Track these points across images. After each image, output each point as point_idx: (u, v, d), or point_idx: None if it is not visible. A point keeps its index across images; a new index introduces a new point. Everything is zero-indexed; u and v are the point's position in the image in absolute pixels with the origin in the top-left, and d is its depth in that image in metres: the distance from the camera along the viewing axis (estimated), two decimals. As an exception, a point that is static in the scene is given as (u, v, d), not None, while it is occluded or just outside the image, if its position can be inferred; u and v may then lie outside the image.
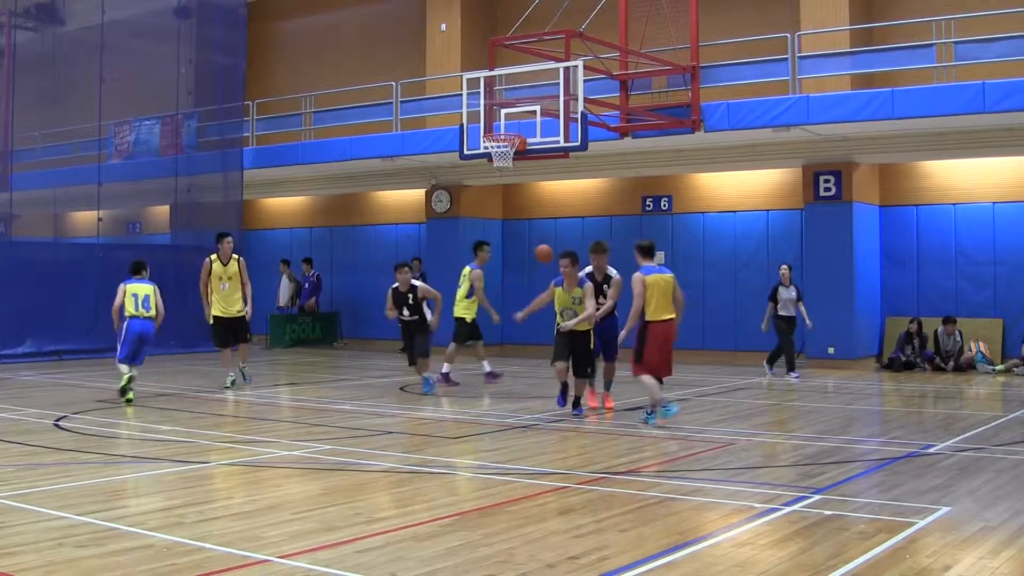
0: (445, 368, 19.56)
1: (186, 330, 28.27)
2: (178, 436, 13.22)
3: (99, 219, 28.80)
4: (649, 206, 26.91)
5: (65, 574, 6.97)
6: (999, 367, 22.06)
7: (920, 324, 22.83)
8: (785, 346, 21.15)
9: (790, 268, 21.48)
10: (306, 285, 30.85)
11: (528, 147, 19.51)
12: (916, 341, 22.78)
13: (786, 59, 21.90)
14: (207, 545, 7.69)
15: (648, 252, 14.58)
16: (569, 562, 7.25)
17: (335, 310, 31.57)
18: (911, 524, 8.32)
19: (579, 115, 18.99)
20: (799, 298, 21.32)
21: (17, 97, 28.52)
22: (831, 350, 22.90)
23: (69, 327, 25.54)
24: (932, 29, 21.16)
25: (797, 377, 20.52)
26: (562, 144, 19.18)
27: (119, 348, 16.91)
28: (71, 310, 25.68)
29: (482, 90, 19.75)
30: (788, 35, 21.88)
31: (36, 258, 26.19)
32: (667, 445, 12.58)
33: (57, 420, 14.69)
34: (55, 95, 29.71)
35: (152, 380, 20.45)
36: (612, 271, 16.18)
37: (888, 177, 24.46)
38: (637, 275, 14.09)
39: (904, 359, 22.62)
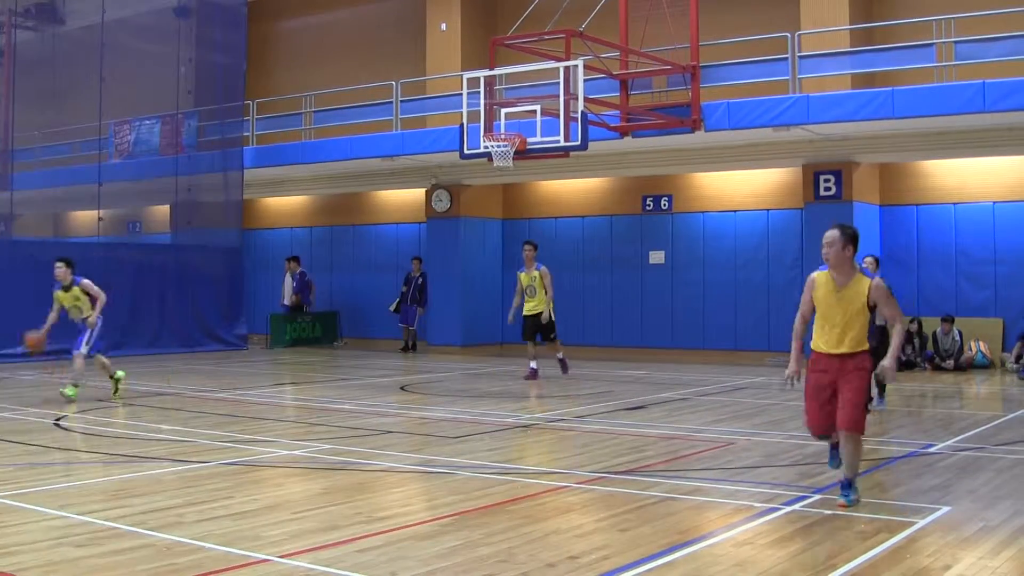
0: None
1: (187, 330, 28.31)
2: (178, 436, 13.22)
3: (99, 219, 28.79)
4: (649, 205, 26.92)
5: (65, 573, 6.97)
6: (1008, 365, 22.03)
7: (920, 324, 22.84)
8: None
9: (876, 260, 16.69)
10: (294, 283, 30.79)
11: (528, 146, 19.53)
12: (916, 341, 22.79)
13: (786, 59, 21.89)
14: (207, 545, 7.69)
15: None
16: (569, 561, 7.25)
17: (335, 309, 31.56)
18: (911, 524, 8.32)
19: (579, 115, 19.01)
20: None
21: (17, 96, 28.50)
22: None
23: (69, 327, 25.47)
24: (932, 28, 21.16)
25: (881, 406, 15.85)
26: (562, 144, 19.20)
27: (96, 343, 17.33)
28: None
29: (482, 90, 19.76)
30: (788, 34, 21.88)
31: (36, 257, 26.08)
32: (667, 445, 12.58)
33: (57, 419, 14.71)
34: (55, 95, 29.70)
35: (152, 380, 20.48)
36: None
37: (888, 176, 24.46)
38: (882, 281, 9.40)
39: (904, 359, 22.61)
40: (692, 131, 21.78)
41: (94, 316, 17.02)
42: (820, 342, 9.18)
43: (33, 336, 17.31)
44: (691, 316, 26.10)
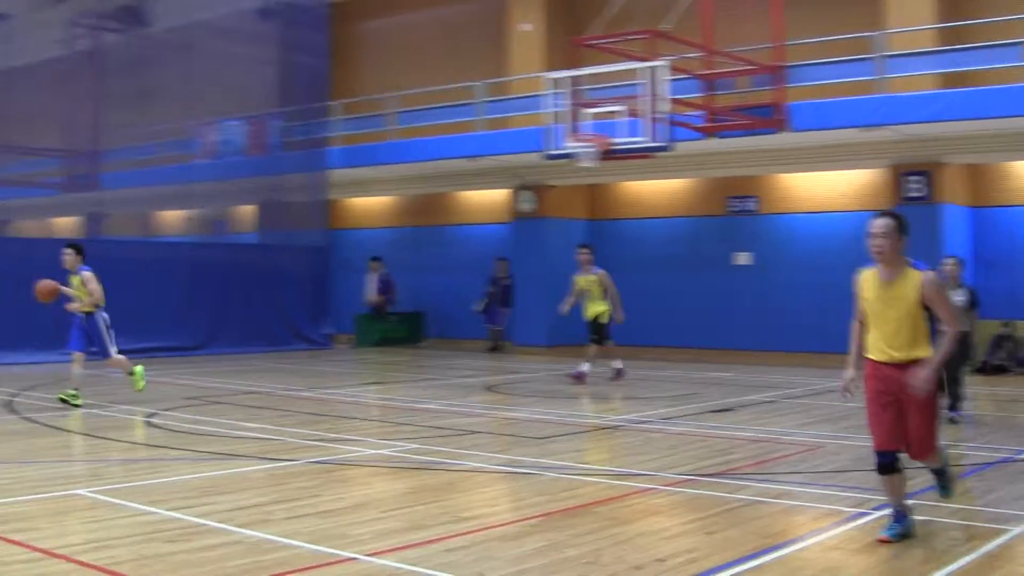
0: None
1: (273, 329, 28.52)
2: (266, 434, 13.33)
3: (187, 218, 29.13)
4: (734, 207, 26.75)
5: (155, 568, 7.06)
6: None
7: (1014, 328, 22.50)
8: (948, 370, 13.54)
9: (959, 263, 15.17)
10: (377, 283, 30.84)
11: (613, 147, 19.50)
12: (1010, 344, 22.46)
13: (872, 58, 21.68)
14: (294, 542, 7.75)
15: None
16: (656, 564, 7.21)
17: (421, 309, 31.64)
18: (1005, 531, 8.19)
19: (664, 115, 18.94)
20: (972, 305, 14.99)
21: (105, 98, 28.91)
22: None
23: (157, 325, 25.83)
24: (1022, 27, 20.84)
25: (956, 416, 14.62)
26: (647, 144, 19.15)
27: (114, 341, 16.57)
28: (160, 308, 25.99)
29: (566, 90, 19.75)
30: (874, 34, 21.67)
31: (125, 256, 26.48)
32: (755, 447, 12.48)
33: (148, 417, 14.88)
34: (142, 96, 30.09)
35: (239, 378, 20.68)
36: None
37: (979, 177, 24.14)
38: (935, 275, 8.21)
39: (996, 363, 22.28)
40: (777, 131, 21.63)
41: (77, 306, 16.17)
42: (874, 349, 8.09)
43: (46, 285, 16.40)
44: (778, 318, 25.88)
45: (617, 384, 19.76)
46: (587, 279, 20.06)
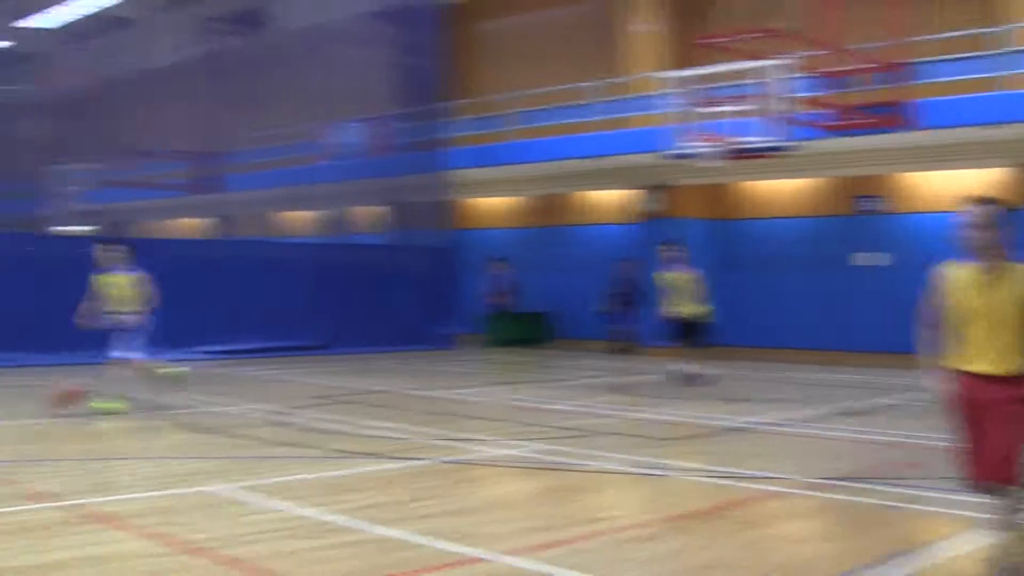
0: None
1: (397, 329, 28.69)
2: (394, 433, 13.44)
3: (311, 219, 29.48)
4: (861, 206, 26.37)
5: (286, 563, 7.19)
6: None
7: None
8: None
9: None
10: (501, 283, 30.81)
11: (735, 146, 19.38)
12: None
13: (1000, 54, 21.28)
14: (423, 541, 7.81)
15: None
16: (788, 569, 7.17)
17: (545, 310, 31.57)
18: None
19: (787, 114, 18.79)
20: None
21: (228, 101, 29.38)
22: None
23: (284, 324, 26.18)
24: None
25: None
26: (770, 143, 19.01)
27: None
28: (285, 308, 26.33)
29: (688, 89, 19.68)
30: (997, 29, 21.28)
31: (251, 256, 26.89)
32: (888, 451, 12.33)
33: (277, 415, 15.07)
34: (264, 99, 30.52)
35: (365, 378, 20.86)
36: None
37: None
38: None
39: None
40: (903, 129, 21.32)
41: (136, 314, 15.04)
42: (969, 360, 6.77)
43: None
44: (908, 319, 25.44)
45: (693, 387, 19.25)
46: (674, 277, 19.42)
